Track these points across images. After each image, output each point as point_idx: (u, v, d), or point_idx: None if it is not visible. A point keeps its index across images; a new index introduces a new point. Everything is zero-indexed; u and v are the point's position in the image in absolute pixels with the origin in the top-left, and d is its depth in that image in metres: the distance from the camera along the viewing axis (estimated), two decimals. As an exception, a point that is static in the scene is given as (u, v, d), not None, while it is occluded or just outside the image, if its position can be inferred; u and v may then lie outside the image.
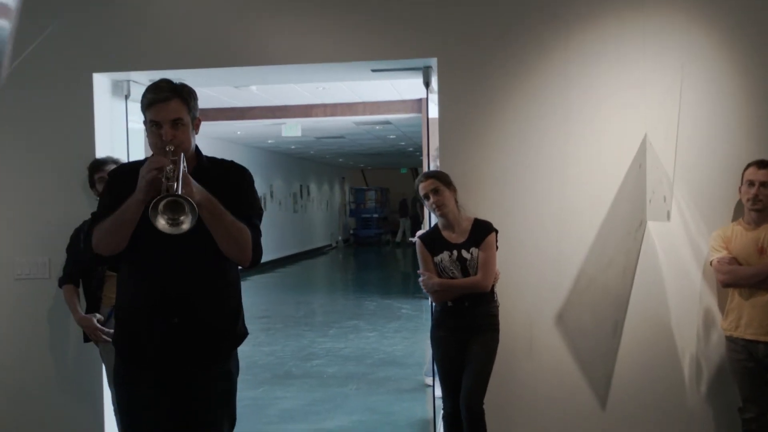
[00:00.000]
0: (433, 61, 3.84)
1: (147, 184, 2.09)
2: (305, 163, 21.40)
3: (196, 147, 2.41)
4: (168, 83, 2.29)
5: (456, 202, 3.55)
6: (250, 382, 6.37)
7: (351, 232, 26.12)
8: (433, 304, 3.63)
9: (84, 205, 3.93)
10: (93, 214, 2.49)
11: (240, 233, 2.26)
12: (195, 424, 2.38)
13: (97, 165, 3.82)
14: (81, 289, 3.78)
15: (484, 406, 3.42)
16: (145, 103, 2.27)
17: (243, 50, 3.96)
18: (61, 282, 3.82)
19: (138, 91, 4.27)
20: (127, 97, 4.24)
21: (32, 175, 4.06)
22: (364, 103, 10.42)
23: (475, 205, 3.67)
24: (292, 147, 17.05)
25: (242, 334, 2.50)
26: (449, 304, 3.52)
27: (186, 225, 2.02)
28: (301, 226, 20.85)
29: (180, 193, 2.02)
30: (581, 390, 3.78)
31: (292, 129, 11.45)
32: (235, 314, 2.45)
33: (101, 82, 4.08)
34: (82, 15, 4.01)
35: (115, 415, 2.53)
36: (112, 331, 3.67)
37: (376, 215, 25.31)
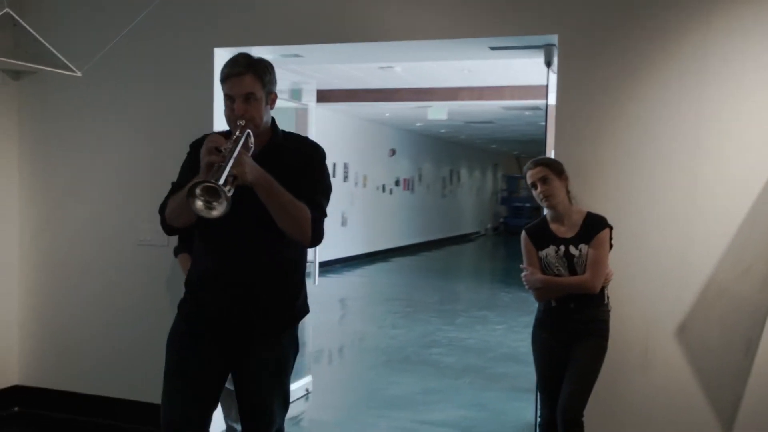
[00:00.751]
0: (555, 38, 3.52)
1: (205, 166, 2.11)
2: (455, 148, 21.20)
3: (273, 122, 2.46)
4: (245, 58, 2.32)
5: (568, 192, 3.23)
6: (366, 364, 6.39)
7: (501, 220, 25.63)
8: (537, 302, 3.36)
9: (200, 177, 4.04)
10: (173, 183, 2.53)
11: (298, 212, 2.25)
12: (245, 393, 2.43)
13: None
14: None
15: (584, 419, 3.11)
16: (221, 77, 2.33)
17: (358, 25, 3.85)
18: (176, 251, 3.92)
19: (259, 67, 4.32)
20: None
21: (155, 144, 4.22)
22: (511, 87, 10.05)
23: (590, 198, 3.35)
24: (442, 131, 16.93)
25: (301, 311, 2.52)
26: (553, 303, 3.23)
27: (216, 212, 2.01)
28: (449, 211, 20.74)
29: (226, 173, 2.02)
30: (702, 413, 3.35)
31: (437, 112, 11.32)
32: (294, 291, 2.48)
33: (223, 57, 4.15)
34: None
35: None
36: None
37: (528, 204, 24.59)
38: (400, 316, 8.76)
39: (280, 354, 2.45)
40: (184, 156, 4.05)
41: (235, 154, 2.08)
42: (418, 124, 15.27)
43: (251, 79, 2.28)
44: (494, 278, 13.91)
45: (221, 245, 2.38)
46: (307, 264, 2.66)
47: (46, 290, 4.51)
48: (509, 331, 7.77)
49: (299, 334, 2.62)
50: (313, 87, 5.17)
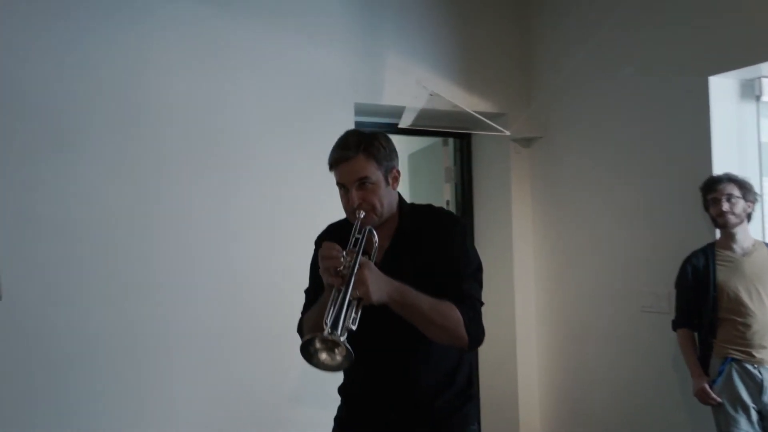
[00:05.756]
0: None
1: (326, 287, 1.82)
2: None
3: (400, 203, 2.07)
4: (355, 137, 1.98)
5: None
6: None
7: None
8: None
9: (702, 231, 3.39)
10: (306, 291, 2.17)
11: (444, 317, 1.83)
12: None
13: (710, 185, 3.24)
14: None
15: None
16: (329, 163, 2.00)
17: None
18: (675, 324, 3.37)
19: (773, 88, 3.44)
20: (758, 98, 3.44)
21: (651, 195, 3.75)
22: None
23: None
24: None
25: (472, 416, 2.05)
26: None
27: (341, 362, 1.68)
28: None
29: (345, 309, 1.69)
30: None
31: None
32: (464, 395, 2.03)
33: (721, 84, 3.43)
34: (700, 14, 3.47)
35: None
36: (718, 399, 3.05)
37: None
38: None
39: None
40: (681, 208, 3.52)
41: (356, 268, 1.74)
42: None
43: (363, 162, 1.93)
44: None
45: (366, 356, 1.94)
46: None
47: (557, 349, 4.43)
48: None
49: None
50: None
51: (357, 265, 1.76)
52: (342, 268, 1.76)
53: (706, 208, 3.23)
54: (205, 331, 3.52)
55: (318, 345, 1.67)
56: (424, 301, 1.81)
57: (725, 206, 3.11)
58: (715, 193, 3.15)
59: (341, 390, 2.15)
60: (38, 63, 3.22)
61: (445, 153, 4.92)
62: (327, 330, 1.64)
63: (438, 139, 4.93)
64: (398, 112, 4.18)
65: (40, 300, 3.18)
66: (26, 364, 3.15)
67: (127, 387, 3.34)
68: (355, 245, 1.84)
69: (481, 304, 1.94)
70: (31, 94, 3.20)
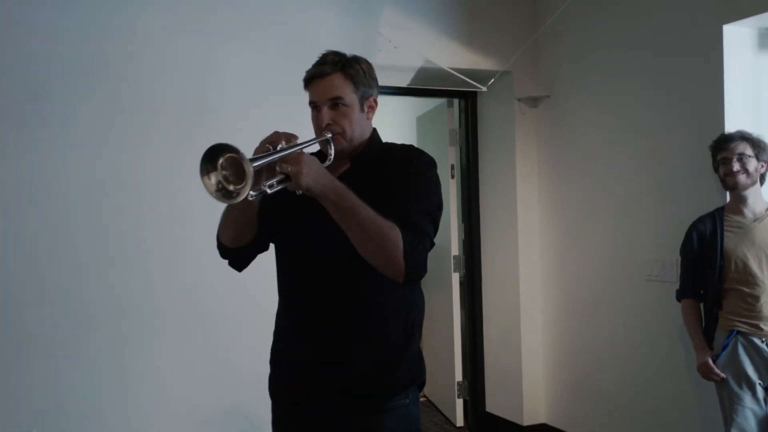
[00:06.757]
0: None
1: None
2: None
3: (374, 136, 1.90)
4: (334, 55, 1.81)
5: None
6: None
7: None
8: None
9: (713, 195, 3.14)
10: None
11: (382, 234, 1.60)
12: None
13: (720, 143, 2.96)
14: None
15: None
16: (304, 81, 1.84)
17: None
18: (679, 295, 3.13)
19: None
20: (776, 48, 3.15)
21: (660, 157, 3.49)
22: None
23: None
24: None
25: (406, 381, 1.81)
26: None
27: (229, 199, 1.46)
28: None
29: (266, 161, 1.51)
30: None
31: None
32: (395, 353, 1.79)
33: (736, 33, 3.13)
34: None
35: None
36: (722, 374, 2.83)
37: None
38: None
39: None
40: (691, 170, 3.26)
41: (293, 149, 1.57)
42: None
43: (339, 80, 1.77)
44: None
45: (291, 296, 1.84)
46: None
47: (562, 318, 4.23)
48: None
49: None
50: None
51: (301, 147, 1.61)
52: (283, 145, 1.59)
53: (716, 169, 2.97)
54: (191, 299, 3.44)
55: (222, 162, 1.48)
56: (363, 210, 1.61)
57: (735, 166, 2.84)
58: (726, 152, 2.89)
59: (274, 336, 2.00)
60: (22, 27, 3.13)
61: (450, 115, 4.70)
62: (237, 150, 1.45)
63: (443, 101, 4.71)
64: (394, 70, 3.97)
65: (23, 268, 3.13)
66: (7, 331, 3.11)
67: (112, 355, 3.28)
68: (304, 144, 1.67)
69: (432, 244, 1.73)
70: (15, 59, 3.12)
